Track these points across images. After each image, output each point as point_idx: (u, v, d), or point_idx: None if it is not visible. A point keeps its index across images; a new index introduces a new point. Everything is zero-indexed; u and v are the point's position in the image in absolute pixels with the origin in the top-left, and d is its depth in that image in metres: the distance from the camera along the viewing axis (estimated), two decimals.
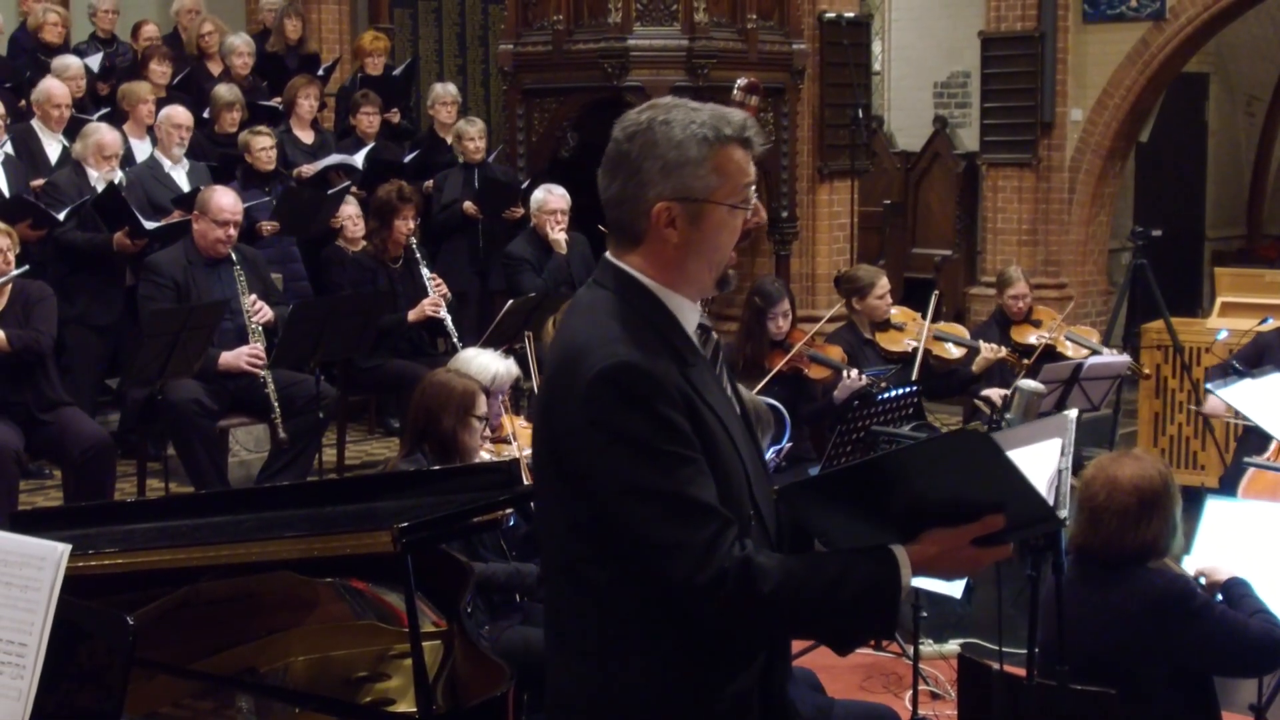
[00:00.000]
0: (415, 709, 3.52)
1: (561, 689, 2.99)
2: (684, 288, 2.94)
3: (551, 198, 9.84)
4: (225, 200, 8.18)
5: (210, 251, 8.15)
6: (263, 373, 7.95)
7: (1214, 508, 5.11)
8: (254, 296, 8.15)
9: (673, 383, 2.81)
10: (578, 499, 2.84)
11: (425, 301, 9.07)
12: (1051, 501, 3.06)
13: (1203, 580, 4.57)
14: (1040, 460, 3.22)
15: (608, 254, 3.01)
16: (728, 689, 2.89)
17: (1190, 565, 4.76)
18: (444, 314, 9.07)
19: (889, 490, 2.80)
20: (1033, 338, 9.52)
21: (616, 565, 2.83)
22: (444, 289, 9.23)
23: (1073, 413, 3.51)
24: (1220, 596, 4.52)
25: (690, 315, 2.96)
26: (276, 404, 7.91)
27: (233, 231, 8.16)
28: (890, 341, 8.98)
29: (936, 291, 9.64)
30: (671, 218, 2.88)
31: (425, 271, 9.22)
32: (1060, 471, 3.27)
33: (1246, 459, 7.26)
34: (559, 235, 9.73)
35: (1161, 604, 4.26)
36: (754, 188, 2.98)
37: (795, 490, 2.99)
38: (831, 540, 2.93)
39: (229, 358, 7.92)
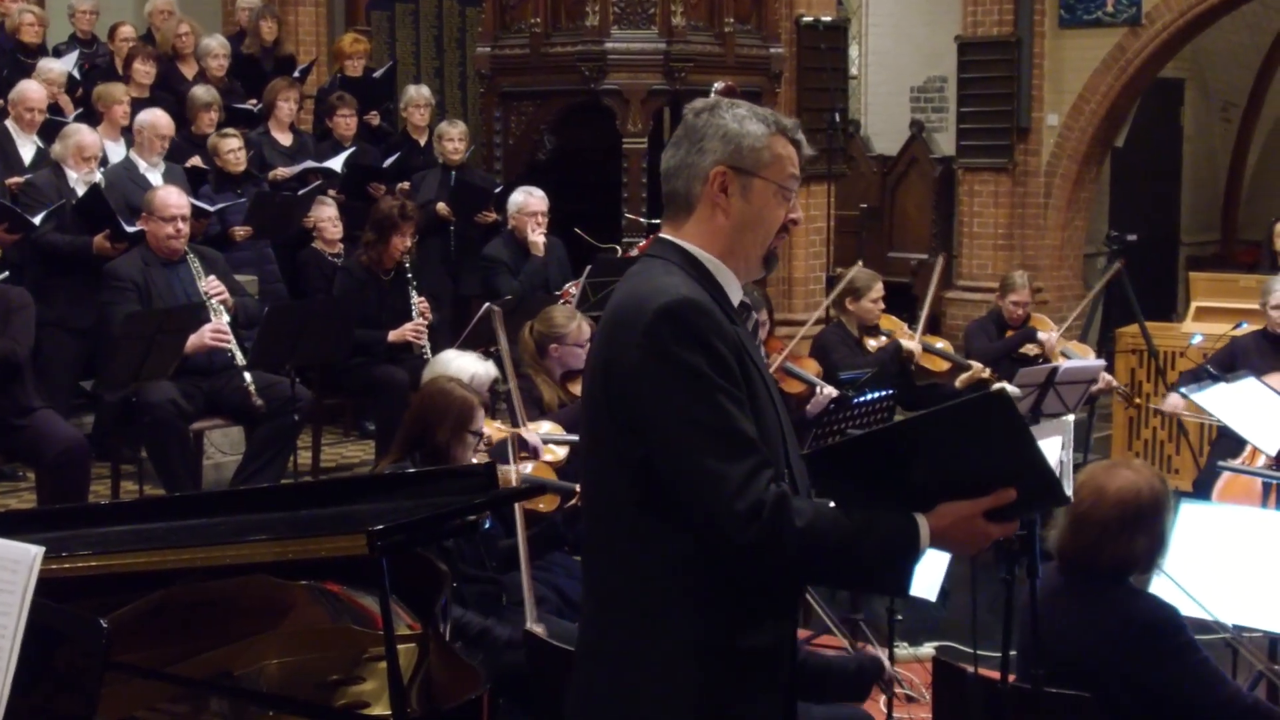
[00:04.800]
0: (390, 712, 3.51)
1: (593, 643, 3.14)
2: (732, 261, 3.13)
3: (531, 199, 9.84)
4: (170, 197, 8.18)
5: (164, 251, 8.13)
6: (229, 347, 7.94)
7: (1188, 512, 5.12)
8: (212, 277, 8.13)
9: (727, 327, 2.99)
10: (632, 437, 2.96)
11: (408, 325, 9.01)
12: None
13: None
14: (1045, 450, 3.28)
15: (661, 233, 3.19)
16: (761, 640, 3.02)
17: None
18: (424, 341, 9.01)
19: (908, 460, 2.95)
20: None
21: (667, 510, 2.95)
22: (429, 313, 9.18)
23: (1070, 417, 3.62)
24: None
25: (734, 290, 3.14)
26: (248, 374, 7.91)
27: (181, 226, 8.13)
28: (875, 348, 9.03)
29: (923, 309, 9.66)
30: (725, 184, 3.08)
31: (414, 294, 9.14)
32: (1062, 462, 3.38)
33: (1220, 463, 7.28)
34: (538, 237, 9.73)
35: (1143, 629, 4.22)
36: (797, 188, 3.19)
37: (821, 455, 3.14)
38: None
39: (193, 339, 7.81)
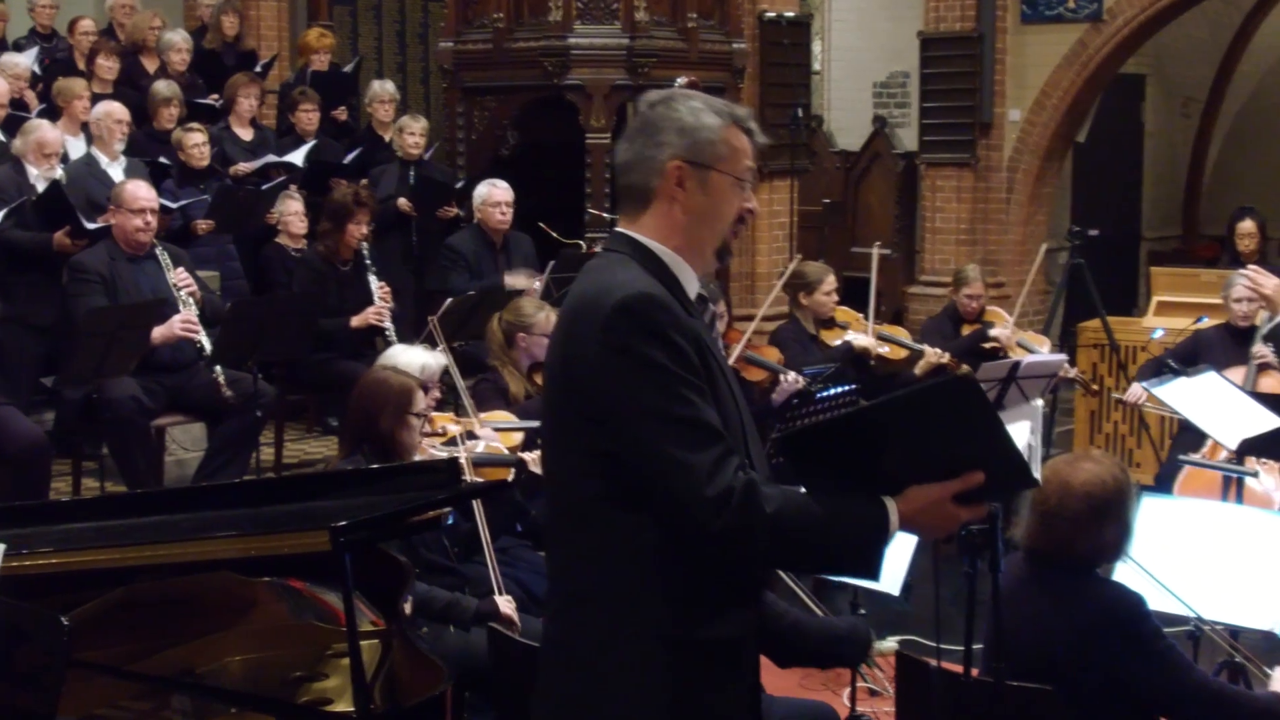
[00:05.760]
0: (353, 708, 3.51)
1: (558, 638, 3.13)
2: (688, 254, 3.13)
3: (496, 190, 9.84)
4: (139, 190, 8.15)
5: (131, 245, 8.09)
6: (198, 338, 7.91)
7: (1150, 506, 5.14)
8: (181, 269, 8.12)
9: (685, 320, 2.99)
10: (595, 431, 2.97)
11: (370, 309, 8.97)
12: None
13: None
14: (1014, 433, 3.30)
15: (618, 226, 3.19)
16: (726, 631, 3.03)
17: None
18: (387, 323, 8.99)
19: (876, 444, 2.96)
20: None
21: (631, 502, 2.95)
22: (390, 298, 9.15)
23: (1038, 402, 3.65)
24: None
25: (691, 283, 3.14)
26: (217, 366, 7.90)
27: (150, 219, 8.09)
28: (833, 339, 9.02)
29: (871, 299, 9.66)
30: (681, 178, 3.08)
31: (373, 279, 9.11)
32: (1030, 446, 3.40)
33: (1181, 457, 7.31)
34: (500, 225, 9.76)
35: (1111, 617, 4.21)
36: (752, 178, 3.19)
37: (790, 440, 3.12)
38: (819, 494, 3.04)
39: (161, 330, 7.78)
